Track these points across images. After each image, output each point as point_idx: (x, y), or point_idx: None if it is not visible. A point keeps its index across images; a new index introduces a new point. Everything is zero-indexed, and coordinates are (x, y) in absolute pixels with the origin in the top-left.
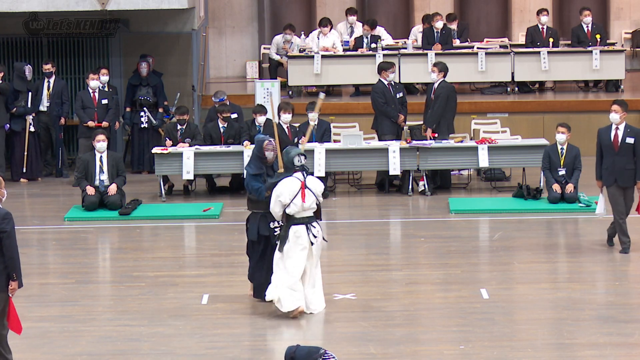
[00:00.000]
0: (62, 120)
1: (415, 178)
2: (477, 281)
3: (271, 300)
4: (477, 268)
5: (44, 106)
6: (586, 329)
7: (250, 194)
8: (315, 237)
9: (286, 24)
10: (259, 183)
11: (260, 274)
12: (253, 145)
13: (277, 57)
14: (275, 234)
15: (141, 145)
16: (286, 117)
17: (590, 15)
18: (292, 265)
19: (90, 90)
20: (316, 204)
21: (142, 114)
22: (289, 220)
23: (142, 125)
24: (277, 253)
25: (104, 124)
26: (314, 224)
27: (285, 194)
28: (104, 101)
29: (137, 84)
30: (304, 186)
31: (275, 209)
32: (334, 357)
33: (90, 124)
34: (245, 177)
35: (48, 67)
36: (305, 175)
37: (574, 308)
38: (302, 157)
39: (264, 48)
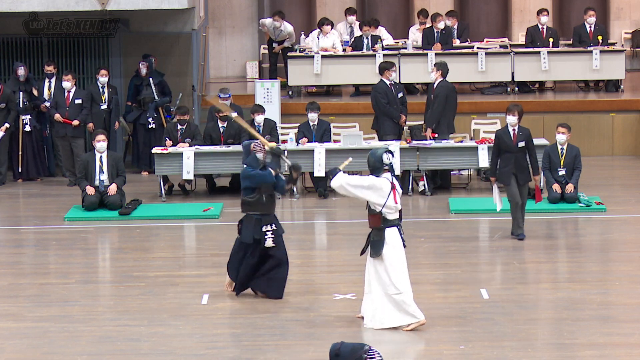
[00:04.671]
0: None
1: (415, 178)
2: (477, 281)
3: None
4: (477, 268)
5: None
6: (586, 329)
7: (251, 186)
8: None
9: (275, 11)
10: (260, 172)
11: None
12: None
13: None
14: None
15: (146, 145)
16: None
17: (595, 16)
18: (396, 274)
19: (65, 91)
20: None
21: (149, 114)
22: (384, 222)
23: (150, 126)
24: (370, 264)
25: (75, 122)
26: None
27: (377, 191)
28: (77, 101)
29: (139, 84)
30: (394, 187)
31: (360, 193)
32: (379, 354)
33: (57, 117)
34: (244, 173)
35: (50, 69)
36: (393, 175)
37: (574, 308)
38: (390, 155)
39: (264, 48)
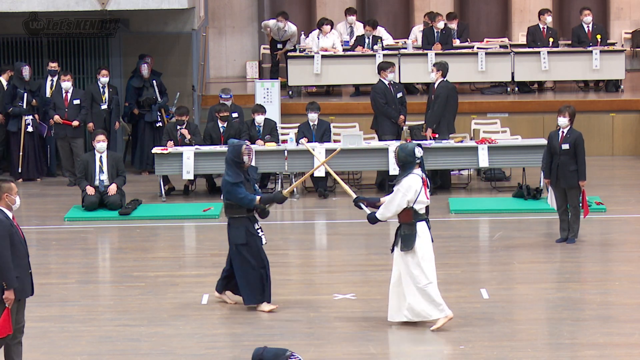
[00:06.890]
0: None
1: None
2: (477, 281)
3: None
4: (477, 268)
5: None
6: (586, 329)
7: (229, 200)
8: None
9: (279, 12)
10: (244, 191)
11: (255, 274)
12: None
13: (279, 45)
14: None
15: (151, 145)
16: None
17: (591, 15)
18: (427, 267)
19: (63, 91)
20: None
21: (153, 115)
22: (415, 217)
23: (158, 124)
24: (400, 259)
25: (74, 123)
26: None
27: (412, 192)
28: (76, 101)
29: (140, 86)
30: (424, 182)
31: (402, 205)
32: (300, 359)
33: (56, 118)
34: (223, 185)
35: (54, 66)
36: (423, 170)
37: (574, 308)
38: (420, 149)
39: (264, 48)
